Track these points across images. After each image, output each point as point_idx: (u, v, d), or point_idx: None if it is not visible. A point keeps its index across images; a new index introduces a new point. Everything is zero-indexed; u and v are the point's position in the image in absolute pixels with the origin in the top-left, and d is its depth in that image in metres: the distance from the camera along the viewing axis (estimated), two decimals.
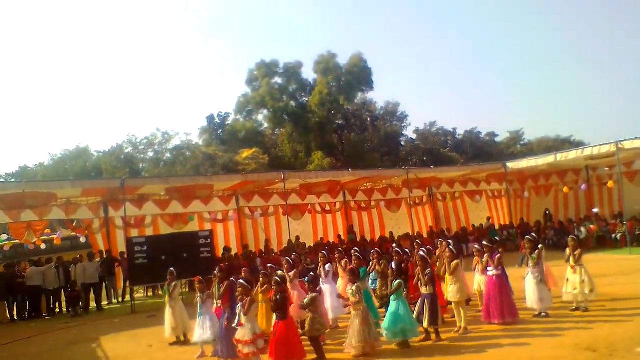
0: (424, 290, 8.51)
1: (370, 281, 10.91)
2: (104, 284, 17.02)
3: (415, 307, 8.76)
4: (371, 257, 11.09)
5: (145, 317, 13.67)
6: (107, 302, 17.04)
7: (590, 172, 22.46)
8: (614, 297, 10.42)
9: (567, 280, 9.72)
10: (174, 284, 10.39)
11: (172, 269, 10.55)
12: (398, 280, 8.27)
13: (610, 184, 19.93)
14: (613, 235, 19.58)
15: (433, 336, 8.51)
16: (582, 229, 19.90)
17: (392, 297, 8.28)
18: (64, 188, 16.20)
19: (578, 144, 46.05)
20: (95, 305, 16.31)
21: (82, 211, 17.65)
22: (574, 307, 9.65)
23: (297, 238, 19.82)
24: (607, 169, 21.19)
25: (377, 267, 10.60)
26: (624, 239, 18.44)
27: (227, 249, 18.95)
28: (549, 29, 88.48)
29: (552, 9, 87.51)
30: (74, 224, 18.13)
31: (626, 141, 17.44)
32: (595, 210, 21.83)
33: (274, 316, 7.88)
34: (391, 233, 21.52)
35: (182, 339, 10.19)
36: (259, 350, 7.42)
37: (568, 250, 9.87)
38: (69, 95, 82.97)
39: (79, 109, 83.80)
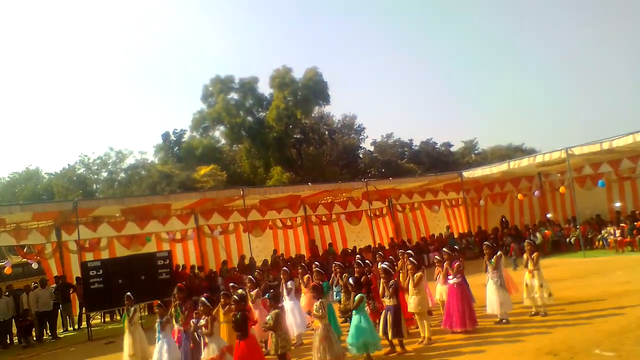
0: (387, 302, 8.51)
1: (334, 294, 10.83)
2: (58, 311, 16.34)
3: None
4: (333, 271, 11.03)
5: (103, 344, 13.20)
6: (62, 330, 16.34)
7: (543, 178, 23.16)
8: (571, 300, 10.68)
9: (526, 285, 9.91)
10: (132, 308, 10.04)
11: (129, 293, 10.21)
12: (359, 295, 8.23)
13: (562, 189, 20.59)
14: (567, 240, 20.18)
15: (398, 348, 8.50)
16: (538, 234, 20.45)
17: (354, 311, 8.22)
18: (13, 212, 15.49)
19: (530, 152, 47.56)
20: (50, 334, 15.61)
21: (33, 236, 16.97)
22: (533, 312, 9.84)
23: (275, 251, 19.59)
24: (558, 175, 21.90)
25: (340, 281, 10.53)
26: (577, 242, 19.02)
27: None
28: (500, 39, 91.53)
29: (503, 20, 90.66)
30: (25, 250, 17.43)
31: (576, 147, 18.08)
32: (548, 215, 22.51)
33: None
34: (354, 247, 21.58)
35: None
36: None
37: (525, 255, 10.08)
38: (15, 115, 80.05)
39: (27, 130, 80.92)
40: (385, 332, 8.38)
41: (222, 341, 7.55)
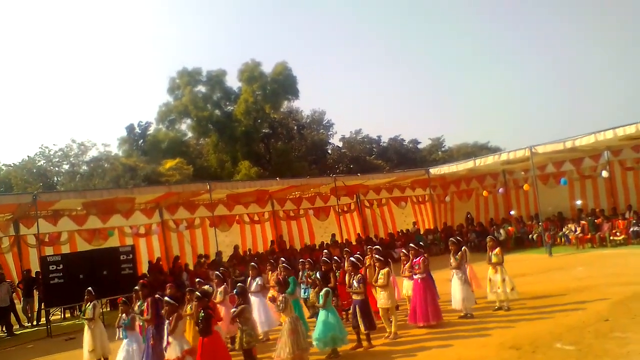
0: (355, 296, 8.50)
1: (302, 291, 10.78)
2: (15, 307, 15.83)
3: (347, 313, 8.74)
4: (300, 267, 10.97)
5: (63, 340, 12.86)
6: (18, 326, 15.81)
7: (507, 176, 23.62)
8: (533, 295, 10.91)
9: (490, 280, 10.08)
10: (92, 303, 9.76)
11: (89, 288, 9.93)
12: (325, 289, 8.20)
13: (525, 187, 21.00)
14: (530, 236, 20.63)
15: (365, 343, 8.51)
16: (502, 230, 20.86)
17: (321, 307, 8.21)
18: None
19: (495, 150, 48.39)
20: (5, 331, 15.08)
21: None
22: (496, 307, 10.00)
23: (235, 248, 19.56)
24: (522, 172, 22.35)
25: (307, 277, 10.49)
26: (540, 238, 19.46)
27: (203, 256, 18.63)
28: (470, 38, 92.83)
29: (473, 19, 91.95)
30: None
31: (539, 146, 18.46)
32: (512, 212, 22.96)
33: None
34: (322, 242, 21.57)
35: None
36: None
37: (488, 251, 10.23)
38: None
39: None
40: (356, 326, 8.37)
41: (185, 342, 7.43)
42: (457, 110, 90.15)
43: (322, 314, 8.14)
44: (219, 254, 17.99)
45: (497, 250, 10.10)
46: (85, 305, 9.79)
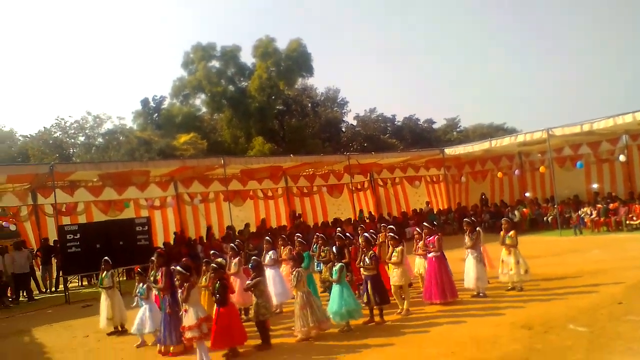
0: (366, 272, 8.56)
1: (315, 265, 10.85)
2: (35, 273, 16.19)
3: (359, 289, 8.81)
4: (315, 242, 11.03)
5: (80, 307, 13.14)
6: (37, 292, 16.18)
7: (523, 157, 23.40)
8: (546, 277, 10.89)
9: (502, 261, 10.05)
10: (110, 272, 9.96)
11: (106, 257, 10.14)
12: (340, 264, 8.26)
13: (542, 169, 20.81)
14: (545, 218, 20.50)
15: (377, 318, 8.58)
16: (516, 212, 20.74)
17: (335, 281, 8.27)
18: None
19: (511, 131, 48.00)
20: (26, 296, 15.44)
21: (8, 198, 16.66)
22: (509, 287, 9.99)
23: (247, 225, 19.68)
24: (538, 154, 22.13)
25: (321, 253, 10.54)
26: (554, 221, 19.34)
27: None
28: (485, 18, 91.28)
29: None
30: None
31: (556, 128, 18.23)
32: (527, 194, 22.79)
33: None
34: (335, 219, 21.65)
35: (120, 329, 9.83)
36: (203, 335, 7.19)
37: (502, 232, 10.19)
38: None
39: (0, 90, 78.68)
40: (368, 302, 8.43)
41: (202, 309, 7.50)
42: (474, 90, 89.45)
43: (336, 288, 8.21)
44: (230, 228, 18.15)
45: (512, 232, 10.04)
46: (102, 274, 10.00)
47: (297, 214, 22.47)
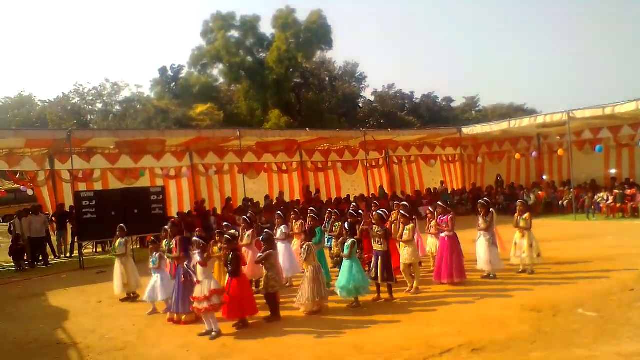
0: (377, 247, 8.60)
1: (326, 240, 10.91)
2: (51, 238, 16.50)
3: (369, 265, 8.86)
4: (327, 217, 11.07)
5: (94, 273, 13.38)
6: (53, 257, 16.52)
7: (542, 139, 23.05)
8: (558, 260, 10.84)
9: (515, 244, 10.00)
10: (124, 239, 10.12)
11: (122, 224, 10.28)
12: (351, 240, 8.30)
13: (560, 152, 20.51)
14: (560, 202, 20.29)
15: (386, 295, 8.63)
16: (531, 194, 20.54)
17: (345, 257, 8.31)
18: (6, 138, 15.32)
19: (531, 112, 47.29)
20: (42, 260, 15.77)
21: (26, 163, 16.84)
22: (520, 270, 9.97)
23: (267, 197, 19.75)
24: (558, 137, 21.78)
25: (332, 227, 10.59)
26: (570, 205, 19.15)
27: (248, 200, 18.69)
28: None
29: None
30: (17, 176, 17.30)
31: (577, 110, 17.91)
32: (544, 177, 22.53)
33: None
34: (348, 196, 21.67)
35: (132, 295, 10.04)
36: (212, 307, 7.28)
37: (516, 215, 10.11)
38: (10, 38, 78.02)
39: (20, 54, 79.15)
40: (376, 277, 8.49)
41: (214, 282, 7.54)
42: (495, 69, 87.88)
43: (346, 263, 8.25)
44: (248, 200, 18.27)
45: (527, 215, 9.97)
46: (116, 242, 10.15)
47: (316, 190, 22.46)
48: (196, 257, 7.50)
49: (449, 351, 5.99)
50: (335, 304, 8.40)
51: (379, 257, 8.54)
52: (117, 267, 9.98)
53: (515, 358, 5.68)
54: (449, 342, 6.25)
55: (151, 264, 9.02)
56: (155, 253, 8.98)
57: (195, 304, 7.41)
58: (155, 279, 8.89)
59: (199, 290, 7.38)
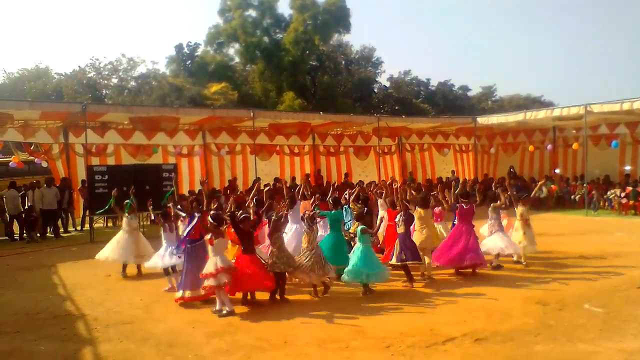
0: (399, 229, 8.67)
1: (345, 224, 10.92)
2: (61, 211, 16.69)
3: (383, 251, 8.93)
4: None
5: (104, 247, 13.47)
6: (63, 230, 16.73)
7: (557, 132, 22.80)
8: (567, 255, 10.79)
9: (516, 230, 10.05)
10: (132, 215, 10.23)
11: (127, 201, 10.39)
12: (361, 227, 8.33)
13: (575, 145, 20.30)
14: (572, 196, 20.11)
15: (406, 282, 8.64)
16: (544, 188, 20.35)
17: (358, 241, 8.37)
18: (21, 109, 15.42)
19: (548, 104, 46.73)
20: (53, 232, 15.98)
21: (41, 135, 16.97)
22: (514, 260, 10.02)
23: (293, 179, 19.75)
24: (574, 131, 21.56)
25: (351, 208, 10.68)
26: (582, 200, 18.98)
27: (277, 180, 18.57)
28: None
29: None
30: (32, 148, 17.47)
31: (595, 105, 17.67)
32: (557, 170, 22.32)
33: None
34: (360, 180, 21.59)
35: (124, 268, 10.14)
36: (221, 285, 7.33)
37: (520, 205, 10.14)
38: (26, 9, 78.22)
39: (37, 25, 79.39)
40: (400, 259, 8.51)
41: (225, 260, 7.52)
42: (513, 60, 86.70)
43: (356, 248, 8.31)
44: (280, 178, 18.25)
45: (525, 207, 10.10)
46: (126, 214, 10.22)
47: (319, 174, 22.39)
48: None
49: (452, 340, 6.00)
50: (347, 289, 8.45)
51: (398, 239, 8.62)
52: (120, 235, 10.10)
53: (518, 350, 5.68)
54: (453, 331, 6.26)
55: (162, 231, 9.13)
56: (167, 224, 9.07)
57: (205, 281, 7.45)
58: (164, 247, 8.98)
59: (208, 267, 7.41)
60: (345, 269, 8.15)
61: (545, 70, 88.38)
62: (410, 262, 8.52)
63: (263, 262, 7.95)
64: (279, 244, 8.01)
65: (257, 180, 17.78)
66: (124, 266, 10.15)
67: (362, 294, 8.20)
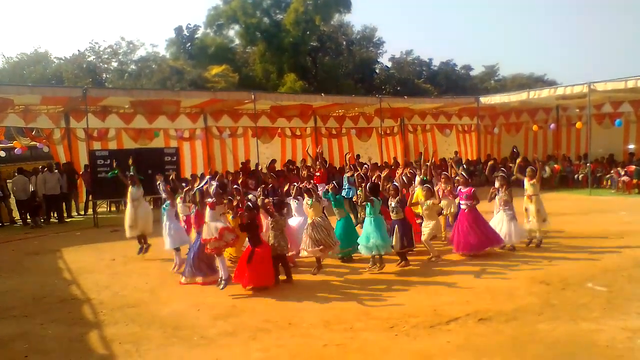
0: (394, 216, 8.67)
1: (346, 191, 10.95)
2: (65, 196, 16.73)
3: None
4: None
5: (108, 232, 13.57)
6: (66, 215, 16.79)
7: (561, 112, 22.67)
8: (570, 234, 10.78)
9: (526, 209, 9.92)
10: (137, 187, 10.19)
11: (132, 174, 10.36)
12: (375, 200, 8.41)
13: (578, 124, 20.17)
14: (575, 176, 20.06)
15: (402, 263, 8.67)
16: (547, 167, 20.30)
17: (367, 215, 8.48)
18: (22, 94, 15.33)
19: (551, 83, 46.41)
20: (57, 217, 16.03)
21: (42, 120, 16.94)
22: (528, 242, 9.90)
23: (304, 161, 19.61)
24: (577, 110, 21.39)
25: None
26: (585, 179, 18.93)
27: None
28: None
29: None
30: (33, 133, 17.45)
31: (599, 83, 17.51)
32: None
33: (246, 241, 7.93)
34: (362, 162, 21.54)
35: (144, 243, 10.16)
36: (227, 244, 7.48)
37: (526, 180, 9.97)
38: None
39: (36, 9, 78.72)
40: (402, 246, 8.54)
41: (223, 221, 7.62)
42: (515, 38, 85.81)
43: (366, 221, 8.40)
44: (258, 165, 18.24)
45: (534, 180, 9.87)
46: (131, 188, 10.19)
47: (322, 156, 22.27)
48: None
49: (456, 320, 6.03)
50: (351, 269, 8.47)
51: (396, 226, 8.58)
52: (128, 210, 10.12)
53: (521, 329, 5.70)
54: (456, 311, 6.30)
55: (162, 210, 9.23)
56: (167, 201, 9.15)
57: (208, 246, 7.52)
58: (167, 225, 9.06)
59: (207, 232, 7.47)
60: (361, 242, 8.32)
61: (548, 49, 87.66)
62: (406, 249, 8.65)
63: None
64: (281, 227, 8.02)
65: (273, 161, 17.78)
66: (139, 240, 10.19)
67: (373, 266, 8.36)
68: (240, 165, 19.15)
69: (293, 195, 9.50)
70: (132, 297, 7.58)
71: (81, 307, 7.18)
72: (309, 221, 8.37)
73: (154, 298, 7.55)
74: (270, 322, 6.22)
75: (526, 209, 9.91)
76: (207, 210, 7.59)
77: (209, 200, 7.64)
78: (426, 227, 9.15)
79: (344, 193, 11.27)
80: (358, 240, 8.51)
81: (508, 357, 4.98)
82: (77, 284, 8.48)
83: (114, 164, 11.75)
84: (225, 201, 8.05)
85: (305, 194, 8.65)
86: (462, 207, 9.45)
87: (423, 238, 9.13)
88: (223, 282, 7.44)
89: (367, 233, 8.33)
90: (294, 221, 9.32)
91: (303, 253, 8.45)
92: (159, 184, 9.62)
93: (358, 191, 10.18)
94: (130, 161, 10.72)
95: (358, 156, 22.00)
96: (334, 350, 5.33)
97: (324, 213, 8.83)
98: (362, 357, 5.14)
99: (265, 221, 8.87)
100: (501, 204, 9.69)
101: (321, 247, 8.19)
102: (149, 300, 7.45)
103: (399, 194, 8.79)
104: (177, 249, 9.09)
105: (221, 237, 7.39)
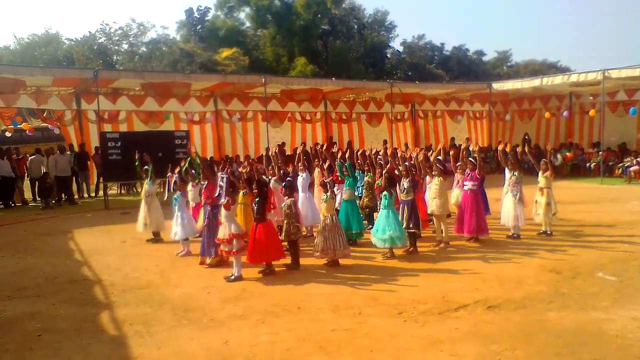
0: (403, 197, 8.66)
1: (357, 190, 10.94)
2: (76, 178, 16.85)
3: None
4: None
5: (119, 214, 13.68)
6: (78, 197, 16.92)
7: (574, 99, 22.41)
8: (581, 223, 10.74)
9: (536, 202, 9.89)
10: (151, 183, 10.30)
11: (146, 167, 10.40)
12: (389, 191, 8.37)
13: (592, 112, 19.94)
14: (587, 164, 19.88)
15: (411, 249, 8.68)
16: (559, 155, 20.14)
17: (382, 206, 8.41)
18: (34, 75, 15.44)
19: (564, 70, 45.76)
20: (67, 199, 16.17)
21: (53, 101, 17.03)
22: (540, 231, 9.86)
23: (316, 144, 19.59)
24: (590, 97, 21.17)
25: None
26: (597, 168, 18.76)
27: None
28: None
29: None
30: (45, 114, 17.53)
31: (613, 70, 17.28)
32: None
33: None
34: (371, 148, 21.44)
35: (155, 236, 10.27)
36: (234, 250, 7.44)
37: (540, 173, 9.94)
38: None
39: None
40: (408, 227, 8.54)
41: (236, 226, 7.60)
42: (529, 24, 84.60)
43: (383, 213, 8.35)
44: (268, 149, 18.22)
45: (548, 173, 9.81)
46: (145, 182, 10.32)
47: (333, 141, 22.25)
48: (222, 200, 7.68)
49: (465, 307, 6.04)
50: (363, 254, 8.50)
51: (405, 206, 8.60)
52: (142, 207, 10.19)
53: (530, 317, 5.70)
54: (465, 298, 6.30)
55: (174, 201, 9.30)
56: (178, 192, 9.21)
57: (221, 246, 7.63)
58: (177, 215, 9.12)
59: (222, 233, 7.54)
60: (375, 234, 8.29)
61: (562, 35, 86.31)
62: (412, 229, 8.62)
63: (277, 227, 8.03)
64: (293, 209, 8.03)
65: (283, 144, 17.78)
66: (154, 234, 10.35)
67: (384, 258, 8.39)
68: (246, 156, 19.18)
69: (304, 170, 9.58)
70: (143, 279, 7.66)
71: (92, 288, 7.27)
72: (321, 217, 8.18)
73: (164, 280, 7.61)
74: (279, 306, 6.26)
75: (536, 201, 9.87)
76: (222, 210, 7.62)
77: (223, 201, 7.66)
78: (432, 206, 9.17)
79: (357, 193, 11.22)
80: (371, 232, 8.46)
81: (516, 344, 4.97)
82: (88, 265, 8.57)
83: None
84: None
85: (321, 188, 8.53)
86: (465, 188, 9.43)
87: (438, 212, 9.10)
88: (233, 277, 7.45)
89: (383, 225, 8.22)
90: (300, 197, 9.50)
91: (315, 255, 8.25)
92: (175, 179, 9.60)
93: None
94: (137, 155, 10.80)
95: (331, 138, 21.95)
96: (343, 334, 5.36)
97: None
98: (370, 342, 5.15)
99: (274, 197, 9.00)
100: (508, 185, 9.68)
101: (330, 252, 7.96)
102: (159, 282, 7.52)
103: (409, 174, 8.77)
104: (186, 238, 9.18)
105: (230, 241, 7.45)
